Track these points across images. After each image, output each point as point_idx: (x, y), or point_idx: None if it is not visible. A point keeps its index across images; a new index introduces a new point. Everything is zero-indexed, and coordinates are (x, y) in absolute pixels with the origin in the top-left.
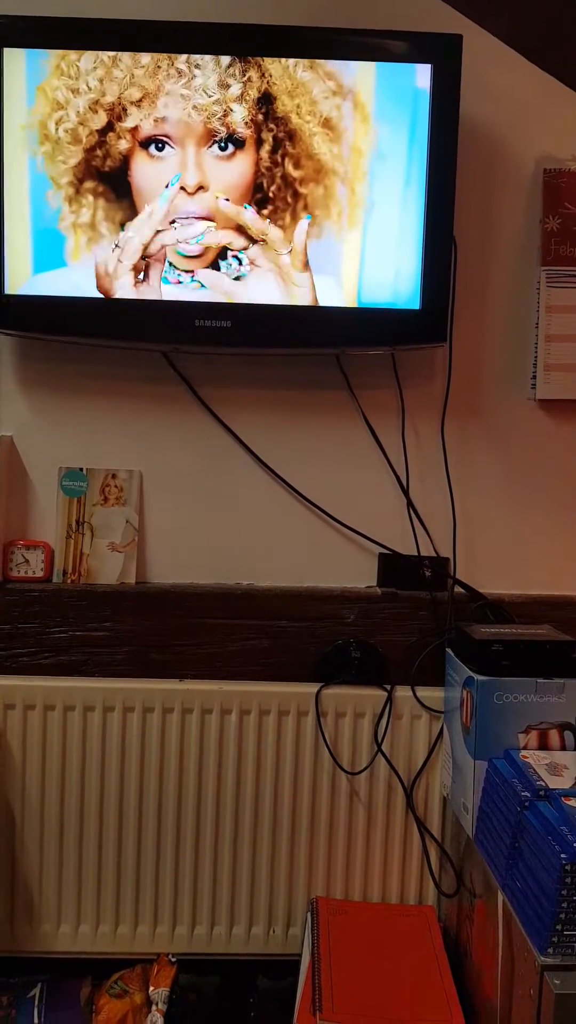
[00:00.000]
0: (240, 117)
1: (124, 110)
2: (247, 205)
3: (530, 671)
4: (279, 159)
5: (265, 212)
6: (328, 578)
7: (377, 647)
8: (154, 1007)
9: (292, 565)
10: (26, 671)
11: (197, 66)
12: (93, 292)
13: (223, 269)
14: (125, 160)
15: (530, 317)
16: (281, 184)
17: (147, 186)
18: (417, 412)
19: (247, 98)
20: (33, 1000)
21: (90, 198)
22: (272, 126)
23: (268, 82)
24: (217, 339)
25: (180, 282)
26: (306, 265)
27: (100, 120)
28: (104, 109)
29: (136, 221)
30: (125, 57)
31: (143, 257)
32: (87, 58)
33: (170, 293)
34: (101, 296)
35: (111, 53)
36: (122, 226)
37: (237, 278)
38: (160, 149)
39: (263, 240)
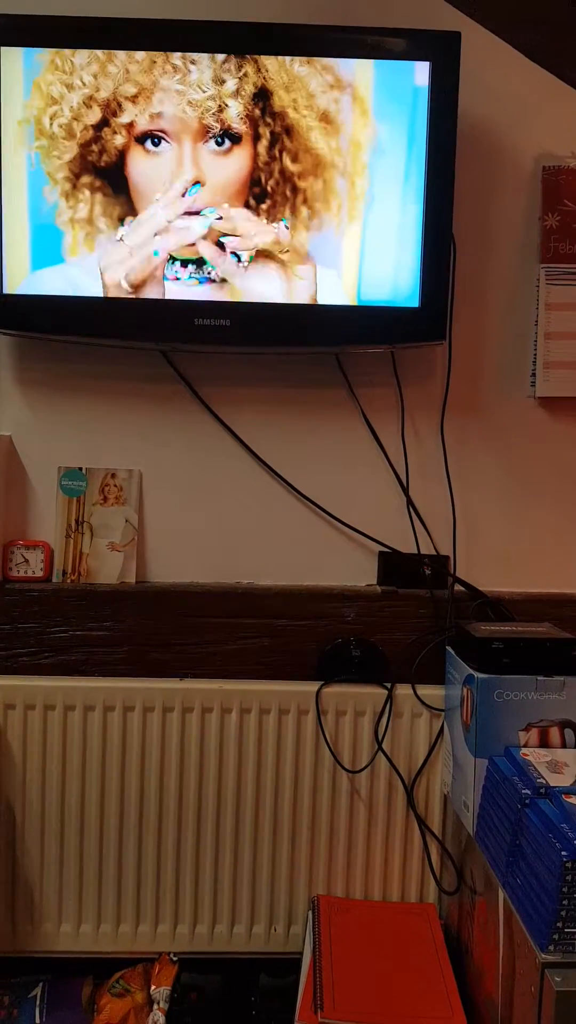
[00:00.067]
0: (236, 112)
1: (119, 105)
2: (248, 200)
3: (530, 669)
4: (276, 154)
5: (264, 207)
6: (328, 576)
7: (377, 645)
8: (156, 1006)
9: (292, 564)
10: (26, 671)
11: (192, 62)
12: (91, 289)
13: (221, 265)
14: (121, 155)
15: (529, 315)
16: (279, 179)
17: (144, 181)
18: (417, 410)
19: (243, 93)
20: (35, 1000)
21: (87, 193)
22: (269, 121)
23: (264, 77)
24: (217, 338)
25: (178, 278)
26: (306, 260)
27: (95, 115)
28: (99, 104)
29: (137, 219)
30: (120, 53)
31: (142, 254)
32: (81, 54)
33: (170, 290)
34: (100, 295)
35: (107, 50)
36: (120, 221)
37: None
38: (156, 144)
39: (261, 235)
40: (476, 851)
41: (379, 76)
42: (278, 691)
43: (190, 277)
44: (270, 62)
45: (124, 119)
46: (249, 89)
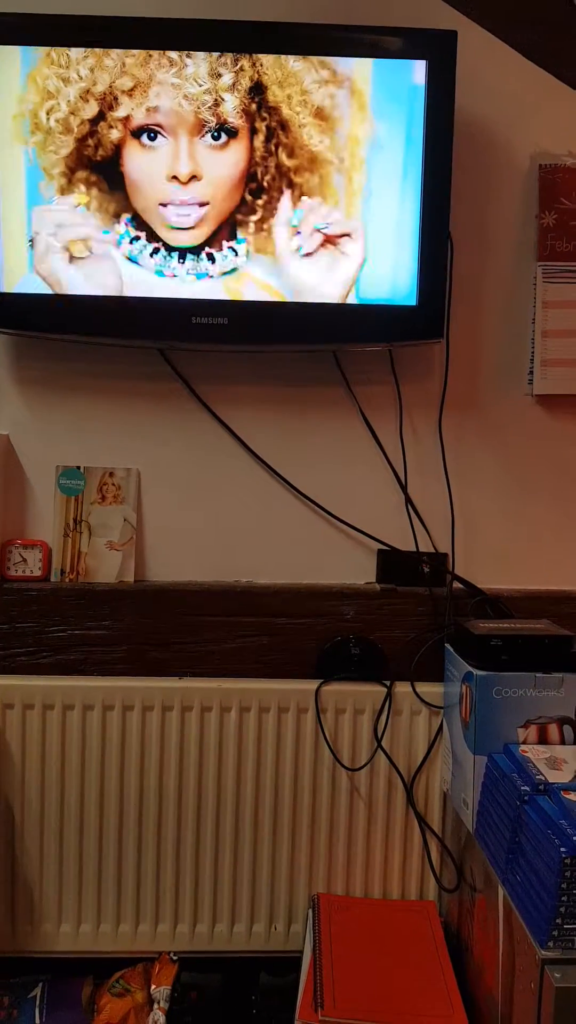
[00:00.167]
0: (232, 106)
1: (115, 99)
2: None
3: (529, 666)
4: (273, 148)
5: (260, 202)
6: (327, 575)
7: (376, 643)
8: (156, 1006)
9: (291, 562)
10: (25, 670)
11: (189, 55)
12: (89, 288)
13: (218, 260)
14: (117, 150)
15: (527, 313)
16: (276, 174)
17: (140, 176)
18: (415, 408)
19: (239, 87)
20: (34, 1000)
21: (83, 188)
22: (265, 115)
23: (260, 71)
24: (214, 336)
25: (175, 275)
26: (303, 255)
27: (91, 110)
28: (95, 98)
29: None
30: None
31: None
32: (78, 49)
33: (165, 286)
34: (98, 294)
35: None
36: (116, 217)
37: (233, 269)
38: (152, 139)
39: (259, 230)
40: (476, 848)
41: (376, 74)
42: (277, 689)
43: (188, 272)
44: (267, 57)
45: (120, 113)
46: (245, 83)
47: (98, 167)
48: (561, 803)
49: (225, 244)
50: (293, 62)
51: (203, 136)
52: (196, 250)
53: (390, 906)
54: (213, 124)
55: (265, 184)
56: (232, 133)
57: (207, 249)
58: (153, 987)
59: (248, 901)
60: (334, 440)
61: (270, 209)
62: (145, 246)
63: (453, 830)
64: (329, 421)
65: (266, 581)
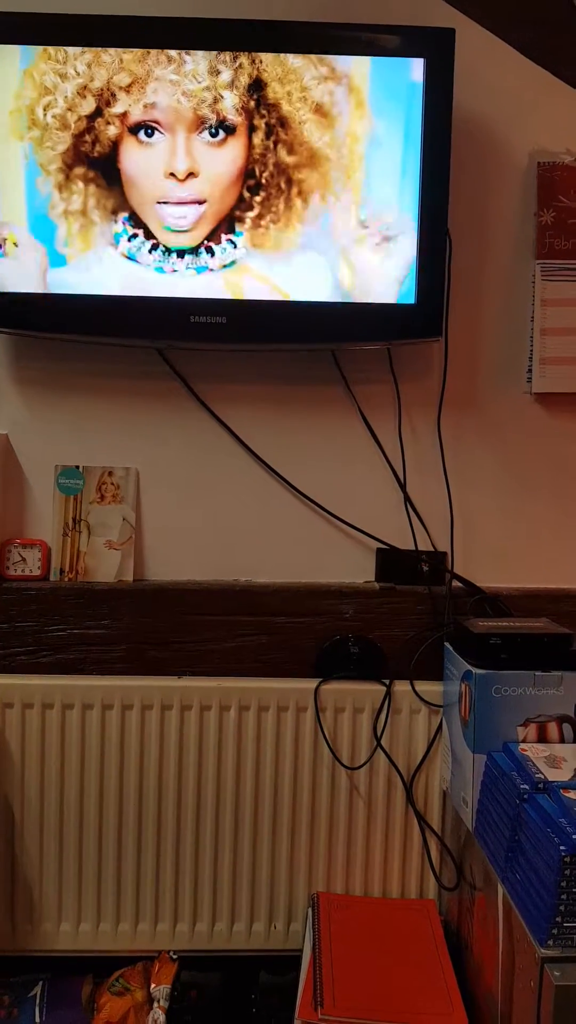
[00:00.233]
0: (231, 103)
1: (113, 95)
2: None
3: (528, 664)
4: (271, 145)
5: (258, 198)
6: (326, 574)
7: (375, 642)
8: (156, 1004)
9: (290, 561)
10: (24, 670)
11: (188, 52)
12: (86, 286)
13: (217, 254)
14: (115, 146)
15: (525, 311)
16: (274, 171)
17: (137, 173)
18: (413, 407)
19: (238, 84)
20: (34, 999)
21: (80, 185)
22: (264, 112)
23: (259, 68)
24: (212, 335)
25: (175, 270)
26: (303, 251)
27: (88, 106)
28: (92, 94)
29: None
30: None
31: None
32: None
33: (164, 284)
34: (96, 293)
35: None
36: (113, 213)
37: (232, 262)
38: (150, 135)
39: (257, 225)
40: (475, 847)
41: (375, 72)
42: (276, 688)
43: (188, 268)
44: (266, 55)
45: (118, 109)
46: (244, 80)
47: (95, 163)
48: (560, 801)
49: (224, 237)
50: (293, 59)
51: (201, 133)
52: (194, 250)
53: (390, 905)
54: (212, 121)
55: (264, 181)
56: (230, 130)
57: (206, 243)
58: (153, 986)
59: (248, 900)
60: (333, 439)
61: (268, 206)
62: (143, 243)
63: (453, 829)
64: (328, 420)
65: (265, 580)
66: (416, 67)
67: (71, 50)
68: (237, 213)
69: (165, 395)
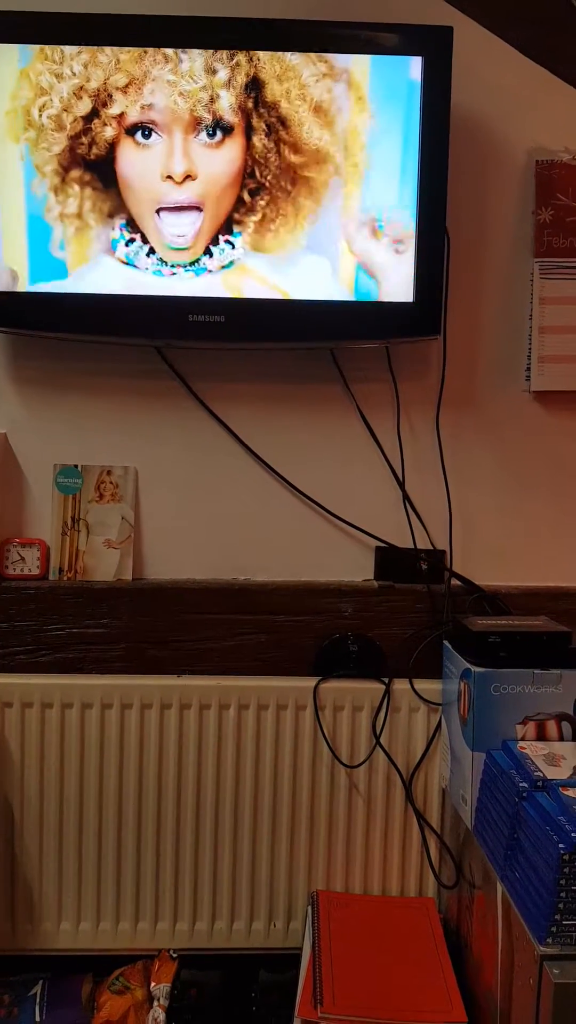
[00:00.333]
0: (228, 103)
1: (110, 96)
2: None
3: (527, 662)
4: (270, 145)
5: (257, 199)
6: (325, 572)
7: (375, 640)
8: (156, 1003)
9: (289, 560)
10: (23, 669)
11: (184, 51)
12: (83, 287)
13: (216, 255)
14: (111, 148)
15: (524, 309)
16: (273, 171)
17: (134, 175)
18: (412, 405)
19: (235, 84)
20: (34, 998)
21: (76, 187)
22: (262, 112)
23: (257, 67)
24: (211, 334)
25: (174, 273)
26: (304, 251)
27: (85, 106)
28: (89, 95)
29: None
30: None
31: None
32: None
33: (163, 285)
34: (94, 292)
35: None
36: (110, 216)
37: (231, 263)
38: (147, 136)
39: (257, 226)
40: (474, 845)
41: (373, 70)
42: (276, 687)
43: (187, 270)
44: (263, 53)
45: (114, 110)
46: (241, 79)
47: (92, 165)
48: (560, 799)
49: (222, 238)
50: (291, 56)
51: (198, 134)
52: (194, 261)
53: (389, 903)
54: (208, 121)
55: (262, 181)
56: (227, 130)
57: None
58: (153, 984)
59: (247, 898)
60: (331, 437)
61: (266, 205)
62: (140, 247)
63: (452, 827)
64: (327, 418)
65: (264, 579)
66: (414, 65)
67: (68, 49)
68: (236, 215)
69: (164, 394)
